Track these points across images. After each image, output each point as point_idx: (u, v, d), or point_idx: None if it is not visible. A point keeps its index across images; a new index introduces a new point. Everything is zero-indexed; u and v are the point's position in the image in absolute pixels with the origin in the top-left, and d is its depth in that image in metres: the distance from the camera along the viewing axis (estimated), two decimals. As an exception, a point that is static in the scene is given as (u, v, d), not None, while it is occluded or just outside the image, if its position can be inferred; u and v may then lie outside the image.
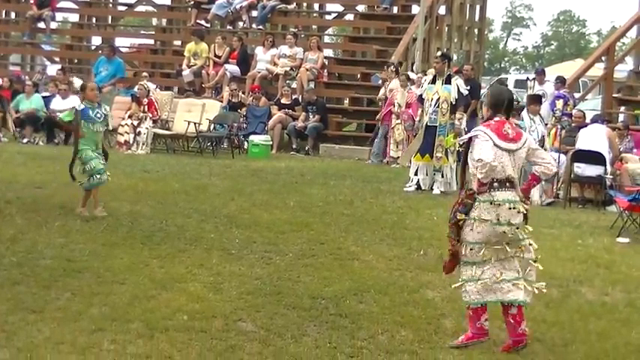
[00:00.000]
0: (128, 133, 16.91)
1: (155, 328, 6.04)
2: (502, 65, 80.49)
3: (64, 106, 17.55)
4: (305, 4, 24.55)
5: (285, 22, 22.99)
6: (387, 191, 12.77)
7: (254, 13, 22.25)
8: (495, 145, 5.96)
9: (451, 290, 6.61)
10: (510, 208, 5.95)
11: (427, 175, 13.07)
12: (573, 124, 14.26)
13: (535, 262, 6.13)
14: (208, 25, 22.39)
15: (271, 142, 17.53)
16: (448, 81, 12.92)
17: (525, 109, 13.57)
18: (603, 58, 20.36)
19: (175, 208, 10.44)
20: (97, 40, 25.36)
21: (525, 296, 6.05)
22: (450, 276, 6.40)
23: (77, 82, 18.54)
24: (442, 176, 13.01)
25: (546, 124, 13.90)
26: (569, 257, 8.97)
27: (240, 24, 22.54)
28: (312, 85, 19.21)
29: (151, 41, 25.06)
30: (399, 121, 16.09)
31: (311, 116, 18.15)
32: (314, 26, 24.00)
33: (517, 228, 6.00)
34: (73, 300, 6.66)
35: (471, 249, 6.03)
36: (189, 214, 10.08)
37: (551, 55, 78.50)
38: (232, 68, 19.97)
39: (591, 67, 20.78)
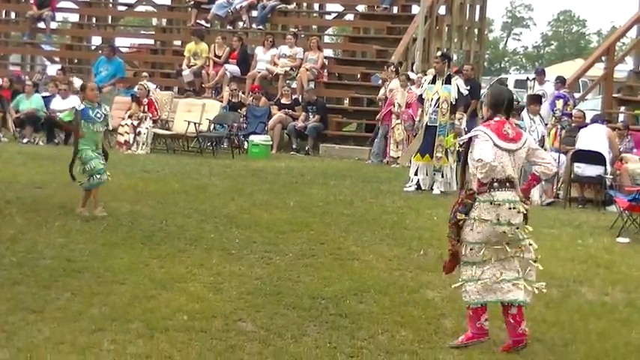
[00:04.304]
0: (128, 133, 16.92)
1: (155, 328, 6.04)
2: (502, 65, 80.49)
3: (64, 106, 17.55)
4: (305, 4, 24.55)
5: (285, 22, 22.99)
6: (387, 191, 12.77)
7: (254, 13, 22.25)
8: (495, 145, 5.96)
9: (451, 290, 6.61)
10: (510, 208, 5.95)
11: (427, 175, 13.07)
12: (573, 124, 14.26)
13: (535, 262, 6.13)
14: (208, 25, 22.39)
15: (271, 142, 17.53)
16: (448, 81, 12.92)
17: (525, 109, 13.57)
18: (603, 58, 20.35)
19: (175, 208, 10.44)
20: (97, 40, 25.37)
21: (525, 296, 6.05)
22: (450, 276, 6.40)
23: (77, 82, 18.54)
24: (442, 176, 13.01)
25: (546, 124, 13.90)
26: (569, 257, 8.97)
27: (240, 24, 22.54)
28: (312, 85, 19.21)
29: (151, 41, 25.06)
30: (399, 121, 16.09)
31: (311, 116, 18.15)
32: (314, 26, 24.00)
33: (517, 228, 6.00)
34: (73, 300, 6.66)
35: (471, 249, 6.03)
36: (189, 214, 10.08)
37: (551, 55, 78.50)
38: (232, 68, 19.98)
39: (591, 67, 20.78)
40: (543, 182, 10.10)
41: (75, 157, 9.92)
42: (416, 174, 13.13)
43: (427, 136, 12.95)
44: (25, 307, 6.40)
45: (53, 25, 24.76)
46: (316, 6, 25.02)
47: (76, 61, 24.50)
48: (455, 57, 21.84)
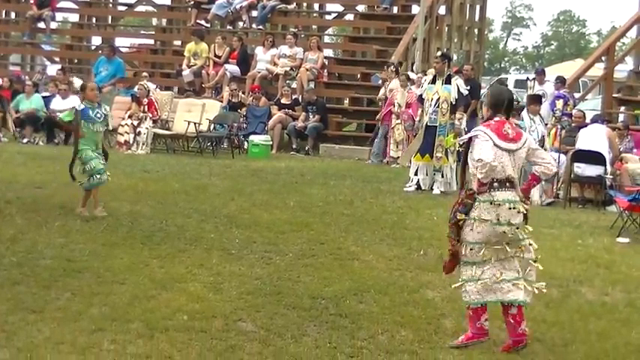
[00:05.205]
0: (128, 133, 16.92)
1: (155, 328, 6.04)
2: (502, 65, 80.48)
3: (64, 106, 17.55)
4: (305, 4, 24.55)
5: (285, 22, 22.99)
6: (387, 191, 12.77)
7: (254, 13, 22.25)
8: (495, 145, 5.96)
9: (451, 290, 6.61)
10: (510, 208, 5.95)
11: (427, 175, 13.07)
12: (573, 124, 14.26)
13: (535, 262, 6.13)
14: (208, 25, 22.39)
15: (271, 142, 17.53)
16: (448, 81, 12.92)
17: (525, 109, 13.57)
18: (603, 58, 20.35)
19: (175, 208, 10.44)
20: (97, 40, 25.37)
21: (525, 296, 6.05)
22: (450, 276, 6.40)
23: (77, 82, 18.54)
24: (442, 176, 13.01)
25: (546, 124, 13.90)
26: (569, 257, 8.97)
27: (240, 24, 22.55)
28: (312, 85, 19.21)
29: (151, 41, 25.06)
30: (399, 121, 16.09)
31: (311, 116, 18.15)
32: (314, 26, 24.00)
33: (517, 228, 6.00)
34: (73, 300, 6.66)
35: (471, 249, 6.03)
36: (189, 214, 10.08)
37: (551, 55, 78.50)
38: (232, 68, 19.98)
39: (591, 67, 20.78)
40: (543, 182, 10.09)
41: (75, 157, 9.92)
42: (416, 174, 13.13)
43: (427, 136, 12.95)
44: (25, 307, 6.40)
45: (53, 25, 24.76)
46: (316, 6, 25.02)
47: (76, 61, 24.50)
48: (455, 57, 21.84)
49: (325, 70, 20.02)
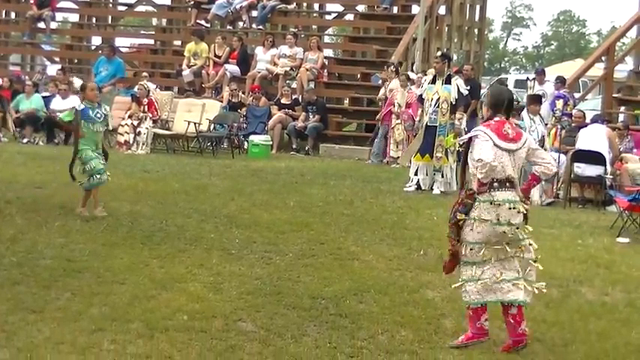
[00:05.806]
0: (128, 133, 16.92)
1: (155, 328, 6.05)
2: (502, 65, 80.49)
3: (64, 106, 17.55)
4: (305, 4, 24.56)
5: (285, 22, 23.00)
6: (387, 191, 12.77)
7: (254, 13, 22.26)
8: (495, 145, 5.96)
9: (451, 290, 6.61)
10: (510, 208, 5.95)
11: (427, 175, 13.07)
12: (573, 124, 14.26)
13: (535, 262, 6.13)
14: (208, 25, 22.40)
15: (271, 142, 17.53)
16: (448, 81, 12.92)
17: (525, 109, 13.57)
18: (603, 58, 20.36)
19: (175, 208, 10.44)
20: (97, 40, 25.38)
21: (525, 296, 6.05)
22: (450, 276, 6.40)
23: (77, 82, 18.54)
24: (442, 176, 13.01)
25: (546, 124, 13.90)
26: (569, 257, 8.97)
27: (240, 24, 22.55)
28: (312, 85, 19.22)
29: (151, 41, 25.07)
30: (399, 121, 16.09)
31: (311, 116, 18.15)
32: (314, 26, 24.00)
33: (517, 228, 6.00)
34: (73, 300, 6.66)
35: (471, 249, 6.03)
36: (189, 214, 10.08)
37: (551, 55, 78.51)
38: (232, 68, 19.98)
39: (591, 67, 20.78)
40: (543, 182, 10.10)
41: (75, 157, 9.92)
42: (416, 174, 13.14)
43: (427, 136, 12.95)
44: (25, 307, 6.40)
45: (53, 25, 24.76)
46: (316, 6, 25.03)
47: (76, 61, 24.51)
48: (455, 57, 21.84)
49: (325, 70, 20.02)
